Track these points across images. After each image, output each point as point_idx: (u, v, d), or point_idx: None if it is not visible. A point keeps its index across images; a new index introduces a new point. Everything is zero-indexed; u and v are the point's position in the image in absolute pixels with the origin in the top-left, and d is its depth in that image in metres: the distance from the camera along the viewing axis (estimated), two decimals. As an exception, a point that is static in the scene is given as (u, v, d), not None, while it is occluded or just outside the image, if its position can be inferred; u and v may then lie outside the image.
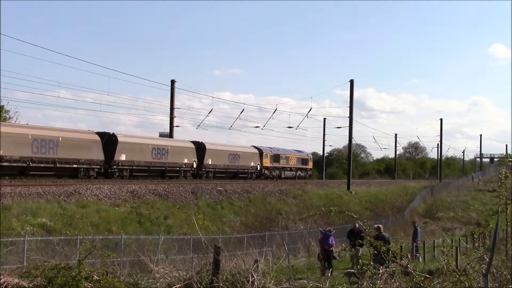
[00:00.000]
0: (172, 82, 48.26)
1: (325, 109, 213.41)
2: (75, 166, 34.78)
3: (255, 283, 7.95)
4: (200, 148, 46.22)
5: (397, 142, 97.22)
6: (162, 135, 58.05)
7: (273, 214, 36.80)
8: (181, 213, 29.56)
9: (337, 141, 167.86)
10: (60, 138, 33.49)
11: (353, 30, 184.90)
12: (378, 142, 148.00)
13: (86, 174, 35.56)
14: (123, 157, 37.96)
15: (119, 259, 17.67)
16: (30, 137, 31.76)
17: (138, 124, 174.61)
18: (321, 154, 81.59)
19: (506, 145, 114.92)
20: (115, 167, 37.69)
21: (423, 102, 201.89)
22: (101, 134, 37.51)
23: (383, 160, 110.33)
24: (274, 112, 54.75)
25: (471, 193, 66.61)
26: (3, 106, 40.90)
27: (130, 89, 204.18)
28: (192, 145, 45.53)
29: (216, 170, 48.51)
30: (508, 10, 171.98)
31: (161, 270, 9.16)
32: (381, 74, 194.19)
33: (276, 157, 58.26)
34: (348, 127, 54.74)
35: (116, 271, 9.30)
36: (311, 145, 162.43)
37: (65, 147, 33.50)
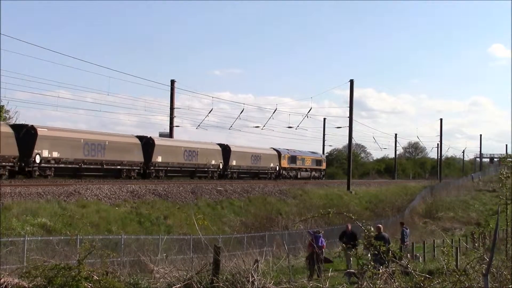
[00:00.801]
0: (172, 82, 48.29)
1: (325, 109, 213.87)
2: (119, 167, 37.84)
3: (255, 283, 7.95)
4: (225, 150, 49.34)
5: (397, 142, 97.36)
6: (162, 135, 58.04)
7: (273, 214, 36.81)
8: (181, 213, 29.58)
9: (337, 141, 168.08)
10: (107, 142, 36.75)
11: (353, 30, 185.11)
12: (378, 142, 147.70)
13: (127, 174, 38.52)
14: (159, 159, 41.26)
15: (119, 259, 17.67)
16: (82, 141, 35.10)
17: (138, 124, 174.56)
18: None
19: (506, 145, 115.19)
20: (152, 168, 40.82)
21: (423, 102, 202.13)
22: (140, 138, 40.65)
23: (383, 160, 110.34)
24: (274, 112, 54.91)
25: (471, 193, 66.63)
26: (3, 106, 40.94)
27: (130, 89, 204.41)
28: (218, 148, 48.80)
29: (240, 170, 51.59)
30: (507, 10, 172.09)
31: (161, 270, 9.16)
32: (381, 74, 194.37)
33: (293, 159, 61.02)
34: (348, 127, 54.81)
35: (116, 271, 9.30)
36: (311, 145, 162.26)
37: (111, 150, 36.64)
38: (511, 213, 7.98)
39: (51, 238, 18.96)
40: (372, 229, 20.06)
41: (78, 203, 25.74)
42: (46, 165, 32.99)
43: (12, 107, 44.23)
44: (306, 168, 64.04)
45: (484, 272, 6.45)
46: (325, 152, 78.66)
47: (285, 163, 59.00)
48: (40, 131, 32.49)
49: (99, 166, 36.37)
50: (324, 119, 78.45)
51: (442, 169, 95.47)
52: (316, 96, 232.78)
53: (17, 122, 40.43)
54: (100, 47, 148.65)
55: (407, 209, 50.03)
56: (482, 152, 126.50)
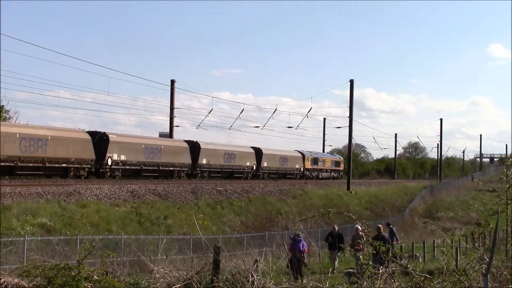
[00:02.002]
0: (172, 82, 48.24)
1: (325, 109, 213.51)
2: (171, 168, 42.62)
3: (255, 283, 7.94)
4: (258, 152, 54.07)
5: (397, 142, 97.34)
6: (162, 135, 58.06)
7: (273, 214, 36.79)
8: (181, 213, 29.57)
9: (337, 141, 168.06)
10: (162, 146, 41.78)
11: (353, 30, 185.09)
12: (378, 142, 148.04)
13: (178, 175, 42.97)
14: (204, 161, 46.16)
15: (119, 259, 17.67)
16: (143, 146, 40.04)
17: (137, 124, 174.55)
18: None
19: (506, 145, 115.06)
20: (198, 169, 45.53)
21: (422, 102, 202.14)
22: (188, 142, 45.31)
23: (383, 160, 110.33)
24: (274, 112, 54.90)
25: (471, 193, 66.61)
26: (3, 106, 40.92)
27: (130, 89, 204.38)
28: (252, 150, 53.70)
29: (270, 171, 56.46)
30: (505, 11, 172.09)
31: (161, 270, 9.16)
32: (381, 74, 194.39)
33: (315, 160, 65.38)
34: (348, 127, 54.78)
35: (116, 271, 9.30)
36: (311, 145, 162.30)
37: (165, 153, 41.54)
38: (511, 213, 7.98)
39: (51, 238, 18.95)
40: (360, 228, 19.95)
41: (78, 203, 25.73)
42: (115, 167, 37.54)
43: (12, 107, 44.21)
44: (326, 169, 68.45)
45: (484, 272, 6.45)
46: (325, 152, 78.73)
47: (308, 164, 63.19)
48: (111, 138, 37.10)
49: (156, 168, 41.20)
50: (324, 119, 78.54)
51: (442, 169, 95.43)
52: (315, 96, 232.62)
53: (18, 122, 40.43)
54: (100, 47, 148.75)
55: (407, 209, 50.03)
56: (482, 152, 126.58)
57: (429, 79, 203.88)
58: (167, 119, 49.34)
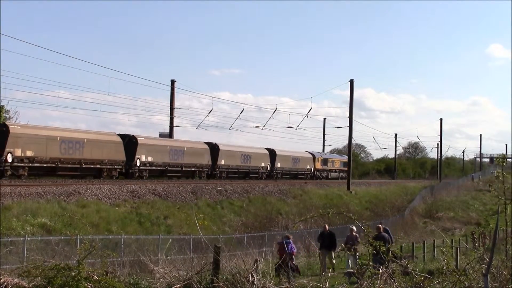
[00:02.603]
0: (172, 82, 48.21)
1: (324, 109, 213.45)
2: (193, 169, 45.37)
3: (255, 283, 7.95)
4: (272, 154, 56.55)
5: (397, 142, 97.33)
6: (162, 135, 58.05)
7: (273, 214, 36.79)
8: (181, 213, 29.57)
9: (337, 141, 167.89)
10: (185, 148, 44.48)
11: (352, 30, 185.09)
12: (378, 142, 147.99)
13: (199, 175, 45.82)
14: (223, 162, 48.64)
15: (119, 259, 17.66)
16: (168, 147, 42.87)
17: (137, 124, 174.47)
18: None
19: (506, 145, 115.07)
20: (217, 169, 48.02)
21: (422, 102, 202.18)
22: (208, 144, 48.01)
23: (383, 160, 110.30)
24: (274, 112, 54.87)
25: (471, 193, 66.60)
26: (3, 106, 40.89)
27: (129, 89, 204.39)
28: (267, 152, 56.23)
29: (283, 172, 58.54)
30: (504, 11, 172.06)
31: (161, 270, 9.16)
32: (380, 74, 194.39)
33: (324, 161, 67.91)
34: (348, 127, 54.75)
35: (116, 271, 9.30)
36: (311, 145, 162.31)
37: (188, 155, 44.39)
38: (510, 213, 7.97)
39: (51, 238, 18.95)
40: (354, 228, 19.82)
41: (78, 203, 25.73)
42: (143, 167, 40.07)
43: (12, 107, 44.20)
44: (335, 169, 70.58)
45: (484, 272, 6.45)
46: (325, 152, 78.77)
47: (318, 165, 65.70)
48: (140, 140, 39.70)
49: (179, 168, 43.75)
50: (324, 119, 78.57)
51: (442, 169, 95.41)
52: (315, 96, 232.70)
53: (18, 122, 40.40)
54: (100, 47, 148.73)
55: (407, 209, 50.01)
56: (482, 152, 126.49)
57: (429, 79, 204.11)
58: (167, 119, 49.39)
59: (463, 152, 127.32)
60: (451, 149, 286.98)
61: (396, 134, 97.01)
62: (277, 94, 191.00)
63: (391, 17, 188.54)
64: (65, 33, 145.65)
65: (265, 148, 57.09)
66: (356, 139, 76.61)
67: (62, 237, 19.16)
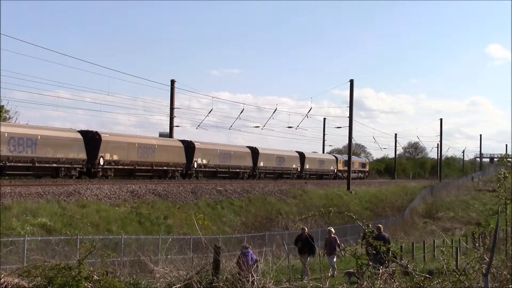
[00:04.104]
0: (172, 82, 48.16)
1: (324, 109, 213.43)
2: (238, 170, 50.52)
3: (255, 283, 7.95)
4: (301, 156, 61.97)
5: (397, 142, 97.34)
6: (162, 135, 58.06)
7: (273, 214, 36.79)
8: (181, 213, 29.56)
9: (337, 141, 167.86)
10: (232, 152, 49.96)
11: (352, 30, 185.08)
12: (378, 142, 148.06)
13: (242, 176, 50.71)
14: (262, 164, 54.22)
15: (119, 259, 17.65)
16: (218, 151, 47.68)
17: (137, 124, 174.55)
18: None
19: (506, 145, 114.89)
20: (257, 171, 53.46)
21: (421, 102, 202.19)
22: (249, 147, 53.33)
23: (383, 160, 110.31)
24: (274, 112, 54.90)
25: (471, 193, 66.57)
26: (3, 106, 40.92)
27: (129, 89, 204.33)
28: (297, 154, 61.63)
29: (311, 173, 63.89)
30: (503, 11, 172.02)
31: (161, 270, 9.16)
32: (380, 74, 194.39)
33: (345, 162, 70.94)
34: (348, 127, 54.73)
35: (116, 271, 9.29)
36: (311, 145, 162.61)
37: (235, 158, 49.54)
38: (510, 213, 7.97)
39: (51, 238, 18.94)
40: (333, 230, 19.39)
41: (78, 203, 25.72)
42: (200, 169, 45.19)
43: (12, 107, 44.23)
44: (355, 170, 74.58)
45: (484, 272, 6.45)
46: (325, 152, 78.83)
47: (340, 166, 71.09)
48: (197, 145, 44.28)
49: (227, 169, 48.78)
50: (324, 119, 78.67)
51: (442, 169, 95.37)
52: (315, 96, 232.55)
53: (17, 122, 40.41)
54: (100, 47, 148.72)
55: (407, 209, 50.01)
56: (482, 152, 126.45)
57: (429, 79, 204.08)
58: (166, 119, 49.36)
59: (463, 152, 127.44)
60: (451, 149, 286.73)
61: (396, 134, 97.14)
62: (277, 94, 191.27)
63: (391, 17, 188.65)
64: (65, 33, 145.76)
65: (296, 151, 62.36)
66: (356, 139, 76.70)
67: (62, 237, 19.15)
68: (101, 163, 35.86)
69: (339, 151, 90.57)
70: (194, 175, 44.32)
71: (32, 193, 25.13)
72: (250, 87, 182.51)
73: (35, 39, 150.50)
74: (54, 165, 33.16)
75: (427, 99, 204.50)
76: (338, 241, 18.89)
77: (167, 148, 42.03)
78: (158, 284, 8.62)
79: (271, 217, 35.80)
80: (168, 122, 48.68)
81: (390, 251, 8.05)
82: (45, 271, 7.79)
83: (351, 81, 53.18)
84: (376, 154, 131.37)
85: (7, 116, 41.98)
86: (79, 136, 35.29)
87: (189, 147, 44.02)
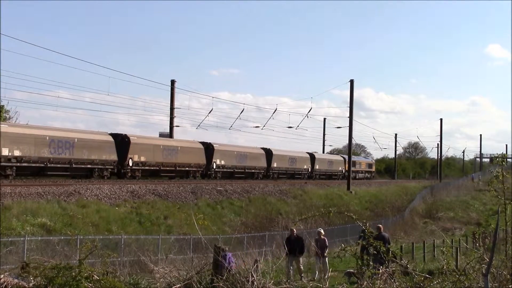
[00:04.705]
0: (172, 82, 48.13)
1: (324, 109, 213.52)
2: (253, 171, 53.45)
3: (255, 283, 7.95)
4: (312, 157, 65.38)
5: (397, 142, 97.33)
6: (162, 135, 58.02)
7: (273, 214, 36.78)
8: (181, 213, 29.56)
9: (337, 141, 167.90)
10: (248, 153, 52.61)
11: (351, 30, 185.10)
12: (378, 142, 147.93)
13: (257, 177, 53.42)
14: (275, 165, 57.07)
15: (119, 259, 17.66)
16: (235, 153, 50.43)
17: (137, 124, 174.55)
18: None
19: (506, 145, 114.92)
20: (271, 171, 56.35)
21: (421, 102, 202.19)
22: (264, 149, 56.31)
23: (383, 160, 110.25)
24: (274, 112, 54.91)
25: (471, 193, 66.55)
26: (3, 106, 40.91)
27: (129, 89, 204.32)
28: (308, 156, 65.14)
29: (320, 173, 66.58)
30: (503, 11, 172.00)
31: (161, 270, 9.16)
32: (379, 74, 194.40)
33: (353, 163, 73.55)
34: (348, 127, 54.71)
35: (116, 271, 9.29)
36: (311, 145, 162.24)
37: (250, 159, 52.62)
38: (510, 213, 7.97)
39: (51, 238, 18.95)
40: (322, 231, 19.07)
41: (78, 203, 25.72)
42: (218, 169, 47.61)
43: (12, 107, 44.24)
44: (362, 171, 78.45)
45: (484, 272, 6.45)
46: (325, 152, 78.85)
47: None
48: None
49: (243, 170, 51.40)
50: (324, 119, 78.67)
51: (442, 169, 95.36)
52: (315, 96, 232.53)
53: (17, 122, 40.41)
54: (100, 47, 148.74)
55: (407, 209, 50.01)
56: (482, 152, 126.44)
57: (428, 79, 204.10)
58: (166, 119, 49.33)
59: (463, 152, 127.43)
60: (451, 149, 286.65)
61: (396, 134, 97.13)
62: (277, 94, 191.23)
63: (391, 17, 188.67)
64: (65, 33, 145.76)
65: (307, 152, 66.18)
66: (356, 139, 76.79)
67: (62, 237, 19.15)
68: (130, 164, 38.28)
69: (339, 151, 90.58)
70: (213, 175, 46.86)
71: (32, 193, 25.13)
72: (250, 87, 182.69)
73: (35, 39, 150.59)
74: (89, 166, 35.62)
75: (427, 99, 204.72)
76: (327, 243, 18.35)
77: (189, 149, 44.62)
78: (158, 284, 8.62)
79: (271, 217, 35.79)
80: (168, 122, 48.73)
81: (390, 251, 8.05)
82: (45, 271, 7.79)
83: (351, 81, 53.17)
84: (376, 154, 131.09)
85: (7, 116, 41.96)
86: (110, 138, 37.49)
87: (208, 148, 46.63)
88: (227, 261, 14.88)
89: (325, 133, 79.11)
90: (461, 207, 55.85)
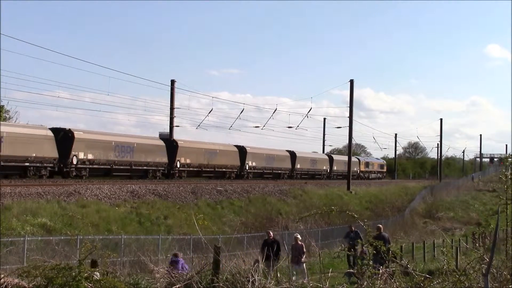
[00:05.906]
0: (172, 82, 48.12)
1: (324, 109, 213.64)
2: (279, 172, 57.22)
3: (255, 283, 7.94)
4: (330, 158, 70.92)
5: (397, 142, 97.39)
6: (162, 135, 57.98)
7: (273, 214, 36.78)
8: (181, 213, 29.56)
9: (337, 141, 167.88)
10: (275, 155, 57.16)
11: (351, 30, 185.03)
12: (378, 142, 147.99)
13: (282, 177, 57.19)
14: (298, 166, 61.39)
15: (119, 259, 17.67)
16: (264, 155, 55.00)
17: (137, 124, 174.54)
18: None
19: (506, 145, 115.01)
20: (295, 172, 60.71)
21: (421, 102, 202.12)
22: (288, 151, 59.90)
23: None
24: (274, 112, 54.89)
25: (471, 193, 66.58)
26: (3, 106, 40.96)
27: (128, 89, 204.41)
28: (327, 157, 70.89)
29: (338, 173, 71.13)
30: (502, 11, 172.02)
31: (161, 270, 9.16)
32: (379, 74, 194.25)
33: (367, 164, 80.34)
34: (348, 127, 54.72)
35: (116, 271, 9.29)
36: (311, 145, 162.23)
37: (277, 160, 56.75)
38: (511, 213, 7.98)
39: (51, 238, 18.96)
40: (299, 237, 18.64)
41: (78, 203, 25.73)
42: (250, 170, 52.38)
43: (12, 107, 44.28)
44: (374, 171, 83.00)
45: (484, 272, 6.45)
46: (325, 152, 78.89)
47: (362, 167, 77.74)
48: (248, 150, 50.78)
49: (271, 171, 56.12)
50: (324, 119, 78.78)
51: (442, 169, 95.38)
52: (315, 96, 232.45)
53: (17, 122, 40.42)
54: (100, 47, 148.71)
55: (407, 209, 50.02)
56: (482, 152, 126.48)
57: (428, 79, 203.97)
58: (166, 119, 49.31)
59: (463, 152, 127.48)
60: (451, 149, 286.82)
61: (396, 134, 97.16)
62: (277, 94, 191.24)
63: (390, 17, 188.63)
64: (65, 33, 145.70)
65: (326, 154, 71.20)
66: (356, 139, 76.81)
67: (62, 237, 19.16)
68: (178, 165, 43.09)
69: (339, 151, 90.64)
70: (245, 175, 50.78)
71: (32, 193, 25.13)
72: (250, 87, 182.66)
73: (35, 39, 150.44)
74: (145, 167, 40.42)
75: (427, 99, 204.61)
76: (304, 249, 17.64)
77: (227, 152, 49.30)
78: (158, 284, 8.61)
79: (271, 217, 35.79)
80: (168, 122, 48.72)
81: (390, 251, 8.05)
82: (45, 271, 7.79)
83: (351, 81, 53.19)
84: (376, 154, 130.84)
85: (7, 116, 42.00)
86: (162, 143, 42.54)
87: (242, 151, 50.84)
88: (180, 265, 14.00)
89: (325, 133, 79.26)
90: (461, 207, 55.90)
